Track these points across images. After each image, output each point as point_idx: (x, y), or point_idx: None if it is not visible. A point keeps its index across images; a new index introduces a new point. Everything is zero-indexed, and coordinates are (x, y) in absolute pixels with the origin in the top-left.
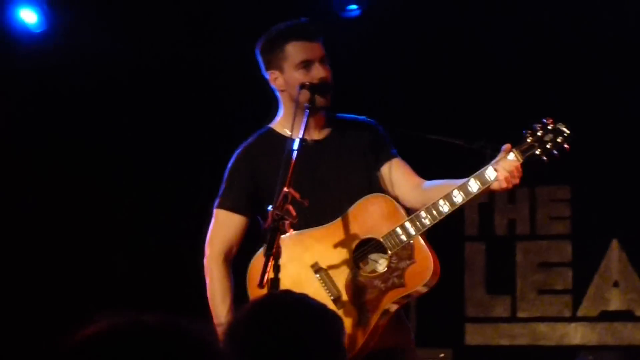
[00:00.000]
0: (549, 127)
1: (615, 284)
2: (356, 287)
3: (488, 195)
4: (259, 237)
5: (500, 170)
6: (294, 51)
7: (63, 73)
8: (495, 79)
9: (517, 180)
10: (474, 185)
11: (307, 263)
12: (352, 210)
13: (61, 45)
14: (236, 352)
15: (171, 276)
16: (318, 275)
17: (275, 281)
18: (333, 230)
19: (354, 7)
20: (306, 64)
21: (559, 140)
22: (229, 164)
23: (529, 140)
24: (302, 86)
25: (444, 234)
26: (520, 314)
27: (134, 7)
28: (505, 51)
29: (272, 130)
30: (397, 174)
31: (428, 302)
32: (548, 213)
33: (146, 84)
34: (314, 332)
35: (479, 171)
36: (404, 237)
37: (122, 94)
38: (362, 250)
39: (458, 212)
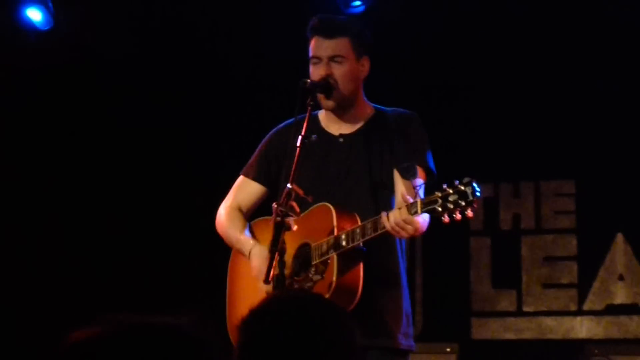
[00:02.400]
0: (459, 188)
1: (621, 278)
2: (281, 282)
3: (493, 189)
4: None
5: (391, 220)
6: (312, 46)
7: (69, 70)
8: (495, 77)
9: (404, 233)
10: (376, 224)
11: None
12: (307, 213)
13: (67, 43)
14: (251, 348)
15: (176, 274)
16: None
17: (282, 277)
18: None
19: (358, 3)
20: (315, 60)
21: (462, 203)
22: (267, 135)
23: (437, 194)
24: (303, 84)
25: (450, 229)
26: (526, 308)
27: (140, 3)
28: (508, 44)
29: (316, 119)
30: (396, 185)
31: (434, 297)
32: (553, 207)
33: (153, 80)
34: (330, 331)
35: (380, 216)
36: (324, 253)
37: (128, 91)
38: (302, 250)
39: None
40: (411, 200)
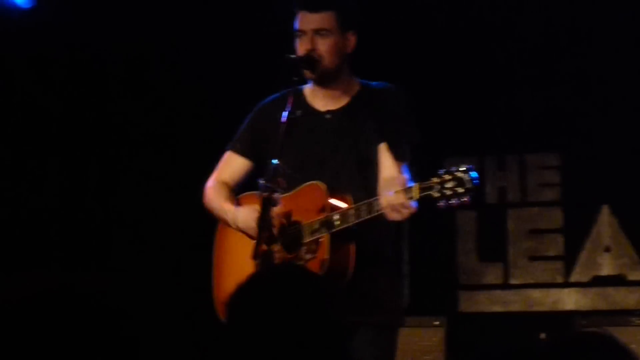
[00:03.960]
0: (456, 175)
1: (607, 249)
2: (269, 258)
3: (477, 162)
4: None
5: (387, 204)
6: (297, 19)
7: (52, 52)
8: (478, 49)
9: (399, 216)
10: (372, 206)
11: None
12: (297, 191)
13: (50, 23)
14: (237, 324)
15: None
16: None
17: (270, 253)
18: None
19: None
20: (299, 34)
21: (459, 190)
22: (254, 109)
23: (433, 180)
24: (284, 59)
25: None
26: (512, 281)
27: None
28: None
29: (301, 94)
30: (381, 160)
31: (421, 271)
32: (538, 180)
33: (137, 65)
34: (316, 308)
35: (376, 198)
36: (316, 232)
37: (112, 77)
38: (293, 228)
39: None
40: (409, 185)
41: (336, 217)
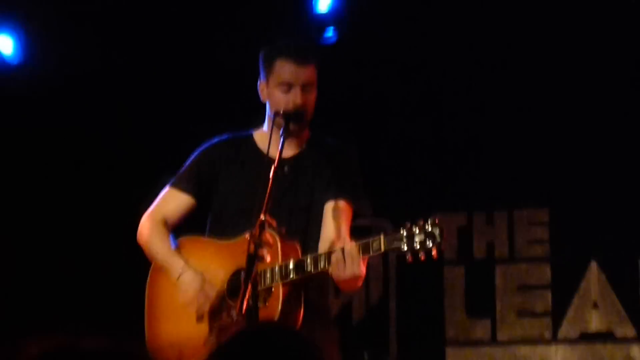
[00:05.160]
0: (425, 228)
1: (595, 306)
2: (217, 309)
3: (466, 217)
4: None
5: (338, 260)
6: (280, 69)
7: (40, 101)
8: (466, 105)
9: (345, 273)
10: (321, 258)
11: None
12: (241, 239)
13: (39, 74)
14: None
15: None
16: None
17: (255, 309)
18: (226, 248)
19: (330, 34)
20: (287, 86)
21: (428, 244)
22: (196, 152)
23: (401, 232)
24: (276, 114)
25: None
26: (500, 337)
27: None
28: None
29: (252, 140)
30: (327, 218)
31: (408, 326)
32: (527, 236)
33: (131, 105)
34: None
35: (331, 250)
36: (268, 280)
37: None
38: (238, 277)
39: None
40: (377, 238)
41: (291, 266)
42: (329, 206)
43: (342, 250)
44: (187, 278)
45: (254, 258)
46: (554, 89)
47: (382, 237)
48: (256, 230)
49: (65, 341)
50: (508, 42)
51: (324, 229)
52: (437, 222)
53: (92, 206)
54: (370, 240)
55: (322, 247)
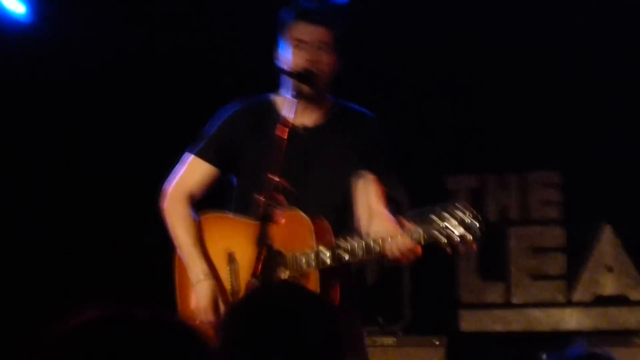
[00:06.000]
0: (465, 221)
1: (610, 269)
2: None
3: (478, 180)
4: (227, 198)
5: (395, 249)
6: (294, 28)
7: (52, 65)
8: (481, 68)
9: (408, 261)
10: (375, 248)
11: (224, 249)
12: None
13: (50, 37)
14: (232, 343)
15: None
16: (229, 266)
17: (268, 270)
18: (256, 228)
19: None
20: (299, 45)
21: (468, 238)
22: (219, 119)
23: (439, 224)
24: (285, 73)
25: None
26: (514, 300)
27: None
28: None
29: (271, 104)
30: (362, 193)
31: (422, 289)
32: (539, 198)
33: (138, 75)
34: (316, 324)
35: (382, 238)
36: (303, 265)
37: (113, 87)
38: (271, 256)
39: (450, 199)
40: (417, 230)
41: (328, 254)
42: (363, 180)
43: (396, 240)
44: (204, 288)
45: (267, 219)
46: (568, 50)
47: (421, 231)
48: (269, 192)
49: (122, 308)
50: (519, 7)
51: (364, 207)
52: (477, 215)
53: (114, 185)
54: (412, 232)
55: (361, 219)
